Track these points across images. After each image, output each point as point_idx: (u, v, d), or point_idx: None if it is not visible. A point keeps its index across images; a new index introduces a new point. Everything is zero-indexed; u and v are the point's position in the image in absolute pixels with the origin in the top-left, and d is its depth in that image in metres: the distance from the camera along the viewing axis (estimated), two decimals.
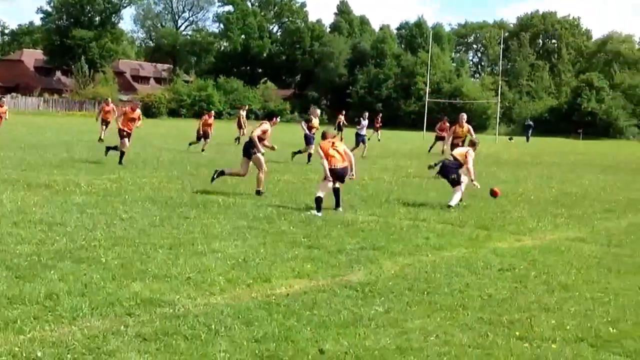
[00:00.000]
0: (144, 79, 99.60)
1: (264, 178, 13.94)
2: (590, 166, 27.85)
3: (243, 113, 32.94)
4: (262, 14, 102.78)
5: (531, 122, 62.63)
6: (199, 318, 5.68)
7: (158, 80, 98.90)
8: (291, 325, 5.63)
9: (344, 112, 40.82)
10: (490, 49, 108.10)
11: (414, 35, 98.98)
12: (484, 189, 13.79)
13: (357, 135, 27.13)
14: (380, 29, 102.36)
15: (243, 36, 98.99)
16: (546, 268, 8.21)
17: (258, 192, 13.69)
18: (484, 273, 7.83)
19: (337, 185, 12.15)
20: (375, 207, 12.76)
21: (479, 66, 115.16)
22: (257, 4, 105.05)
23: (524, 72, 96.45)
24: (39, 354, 4.77)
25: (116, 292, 6.27)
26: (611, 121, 76.98)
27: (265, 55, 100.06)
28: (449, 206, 12.83)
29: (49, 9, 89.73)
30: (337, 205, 12.12)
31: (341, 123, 37.83)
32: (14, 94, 71.99)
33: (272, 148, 14.51)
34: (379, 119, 42.90)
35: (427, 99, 63.24)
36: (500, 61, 73.33)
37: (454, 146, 18.19)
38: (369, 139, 30.97)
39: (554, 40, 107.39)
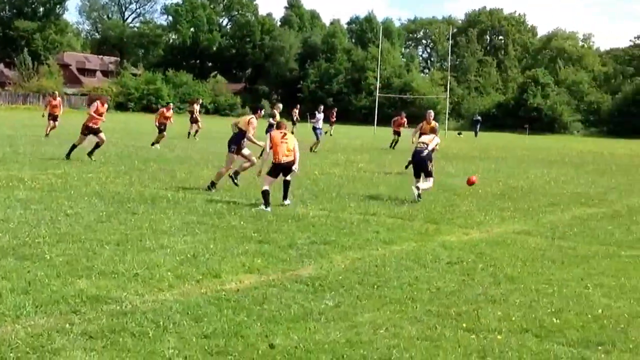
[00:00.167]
0: (91, 72, 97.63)
1: (224, 176, 13.72)
2: (536, 161, 28.43)
3: (197, 107, 32.38)
4: (212, 6, 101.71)
5: (479, 117, 63.56)
6: (147, 315, 5.61)
7: (105, 74, 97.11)
8: (241, 321, 5.60)
9: (298, 107, 40.84)
10: (439, 45, 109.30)
11: (364, 30, 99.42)
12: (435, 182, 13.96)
13: (314, 129, 27.33)
14: (331, 23, 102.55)
15: (192, 29, 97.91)
16: (493, 261, 8.35)
17: (212, 186, 13.40)
18: (433, 266, 7.93)
19: (288, 177, 12.13)
20: (325, 201, 12.78)
21: (429, 62, 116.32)
22: None
23: (472, 68, 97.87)
24: None
25: (61, 290, 6.15)
26: (556, 117, 78.62)
27: (215, 48, 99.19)
28: (419, 194, 13.24)
29: None
30: (284, 197, 12.06)
31: (295, 118, 37.82)
32: None
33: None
34: (334, 114, 43.11)
35: (377, 93, 63.70)
36: (449, 57, 74.38)
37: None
38: (325, 133, 30.96)
39: (500, 37, 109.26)
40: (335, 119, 43.32)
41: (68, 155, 18.07)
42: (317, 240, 8.96)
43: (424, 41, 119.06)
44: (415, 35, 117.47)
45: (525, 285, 7.26)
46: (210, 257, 7.71)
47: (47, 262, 7.09)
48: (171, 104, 29.79)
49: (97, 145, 18.66)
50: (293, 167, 12.17)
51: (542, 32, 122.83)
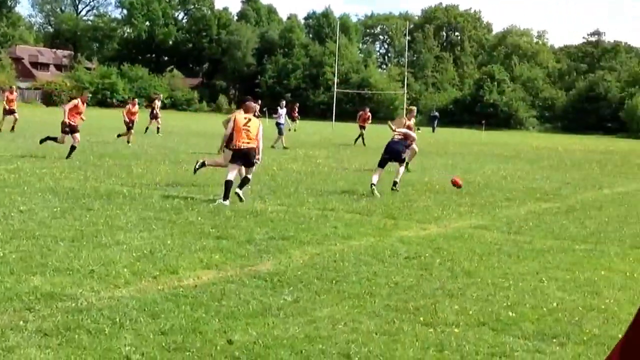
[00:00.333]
0: (44, 66, 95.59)
1: (213, 166, 13.64)
2: (492, 156, 28.82)
3: (158, 103, 31.99)
4: (167, 0, 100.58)
5: (437, 113, 64.13)
6: (103, 312, 5.53)
7: (58, 67, 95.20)
8: (199, 317, 5.56)
9: (259, 102, 40.68)
10: (396, 41, 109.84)
11: (321, 25, 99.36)
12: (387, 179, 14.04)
13: (277, 124, 27.37)
14: (288, 18, 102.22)
15: (147, 23, 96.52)
16: (450, 255, 8.44)
17: (203, 165, 13.31)
18: (391, 261, 7.97)
19: (249, 175, 12.02)
20: (284, 197, 12.76)
21: (386, 57, 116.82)
22: None
23: (429, 64, 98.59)
24: None
25: (15, 287, 6.03)
26: (512, 112, 79.78)
27: (171, 42, 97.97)
28: (396, 183, 13.93)
29: None
30: (240, 187, 11.72)
31: (255, 113, 37.62)
32: None
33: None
34: (296, 109, 43.02)
35: (335, 89, 63.75)
36: (406, 53, 74.78)
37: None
38: (289, 130, 30.90)
39: (457, 33, 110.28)
40: (297, 114, 43.25)
41: (42, 141, 18.59)
42: (275, 236, 8.94)
43: (381, 37, 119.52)
44: (373, 31, 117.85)
45: (482, 279, 7.35)
46: (168, 253, 7.63)
47: (0, 259, 6.94)
48: (136, 99, 29.34)
49: (73, 148, 18.15)
50: (255, 160, 12.02)
51: (497, 28, 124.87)
